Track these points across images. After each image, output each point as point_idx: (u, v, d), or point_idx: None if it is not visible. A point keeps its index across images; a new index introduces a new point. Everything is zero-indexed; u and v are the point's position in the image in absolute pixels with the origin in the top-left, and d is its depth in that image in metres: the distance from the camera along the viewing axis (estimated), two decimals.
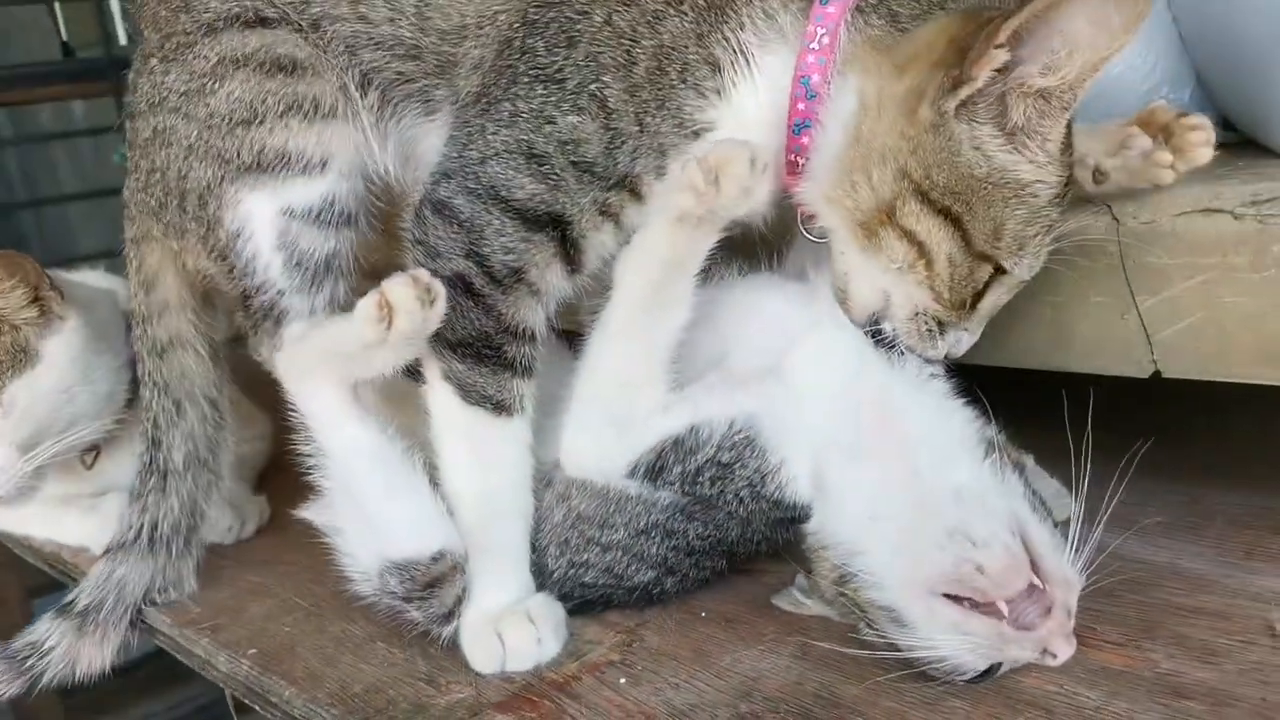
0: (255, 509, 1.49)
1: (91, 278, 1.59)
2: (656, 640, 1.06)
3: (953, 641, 0.88)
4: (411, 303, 0.96)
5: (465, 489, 1.08)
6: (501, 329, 1.05)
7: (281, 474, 1.45)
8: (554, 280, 1.06)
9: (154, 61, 1.21)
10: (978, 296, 1.02)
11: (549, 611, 1.08)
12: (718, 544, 1.08)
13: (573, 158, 1.03)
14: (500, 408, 1.06)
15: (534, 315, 1.06)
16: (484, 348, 1.05)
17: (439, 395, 1.07)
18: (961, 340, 1.05)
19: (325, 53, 1.15)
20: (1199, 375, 1.04)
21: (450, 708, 0.99)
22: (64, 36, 3.98)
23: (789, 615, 1.07)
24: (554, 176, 1.03)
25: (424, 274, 0.98)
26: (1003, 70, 0.92)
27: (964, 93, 0.93)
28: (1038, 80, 0.92)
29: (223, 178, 1.16)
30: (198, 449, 1.34)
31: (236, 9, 1.16)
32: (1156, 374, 1.06)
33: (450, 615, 1.06)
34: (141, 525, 1.31)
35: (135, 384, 1.40)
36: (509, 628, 1.05)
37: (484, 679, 1.03)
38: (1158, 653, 0.93)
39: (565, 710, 0.96)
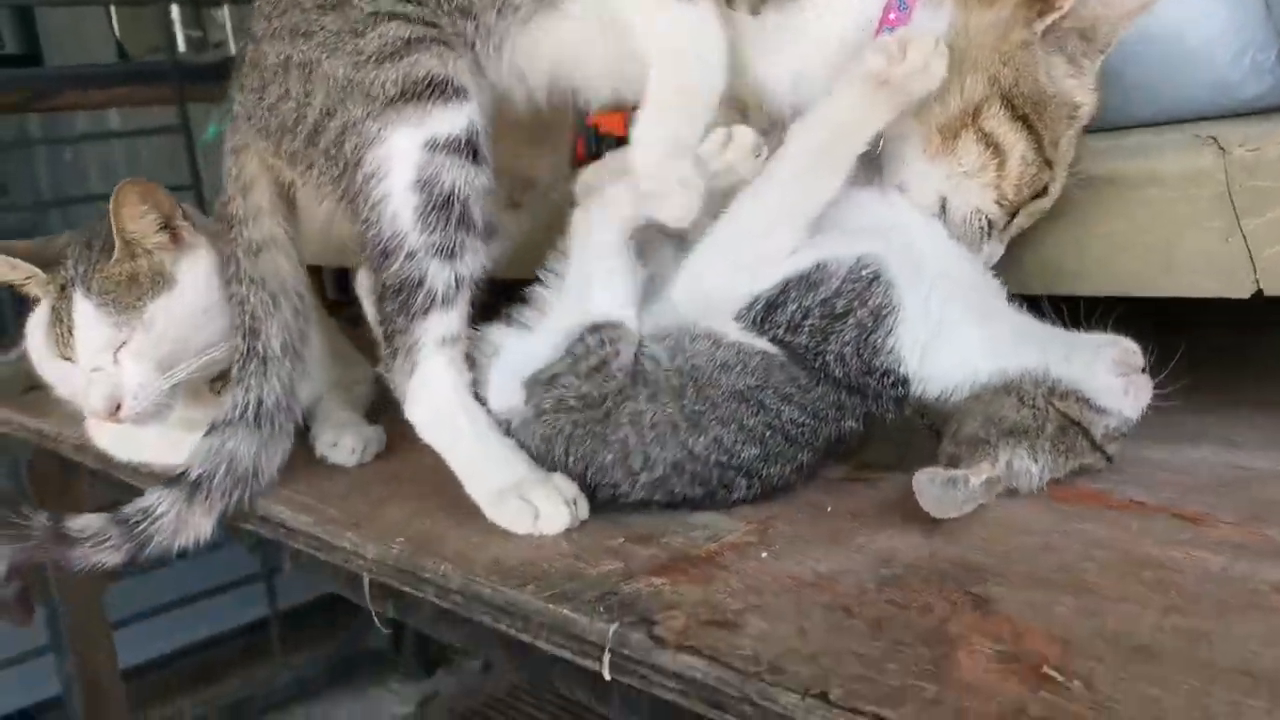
0: (375, 434, 1.56)
1: None
2: (788, 529, 1.13)
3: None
4: (749, 144, 1.19)
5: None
6: None
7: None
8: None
9: (309, 1, 1.30)
10: (1013, 213, 1.20)
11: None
12: (812, 431, 1.15)
13: None
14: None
15: None
16: None
17: None
18: (996, 252, 1.23)
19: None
20: None
21: (605, 575, 1.05)
22: (117, 35, 4.09)
23: (910, 508, 1.14)
24: None
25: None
26: (1074, 7, 1.13)
27: (1050, 18, 1.14)
28: (1097, 13, 1.15)
29: (367, 114, 1.23)
30: (291, 339, 1.44)
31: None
32: (1259, 293, 1.15)
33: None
34: (247, 403, 1.39)
35: None
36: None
37: (630, 555, 1.10)
38: (1272, 531, 1.00)
39: (715, 576, 1.03)
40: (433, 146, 1.21)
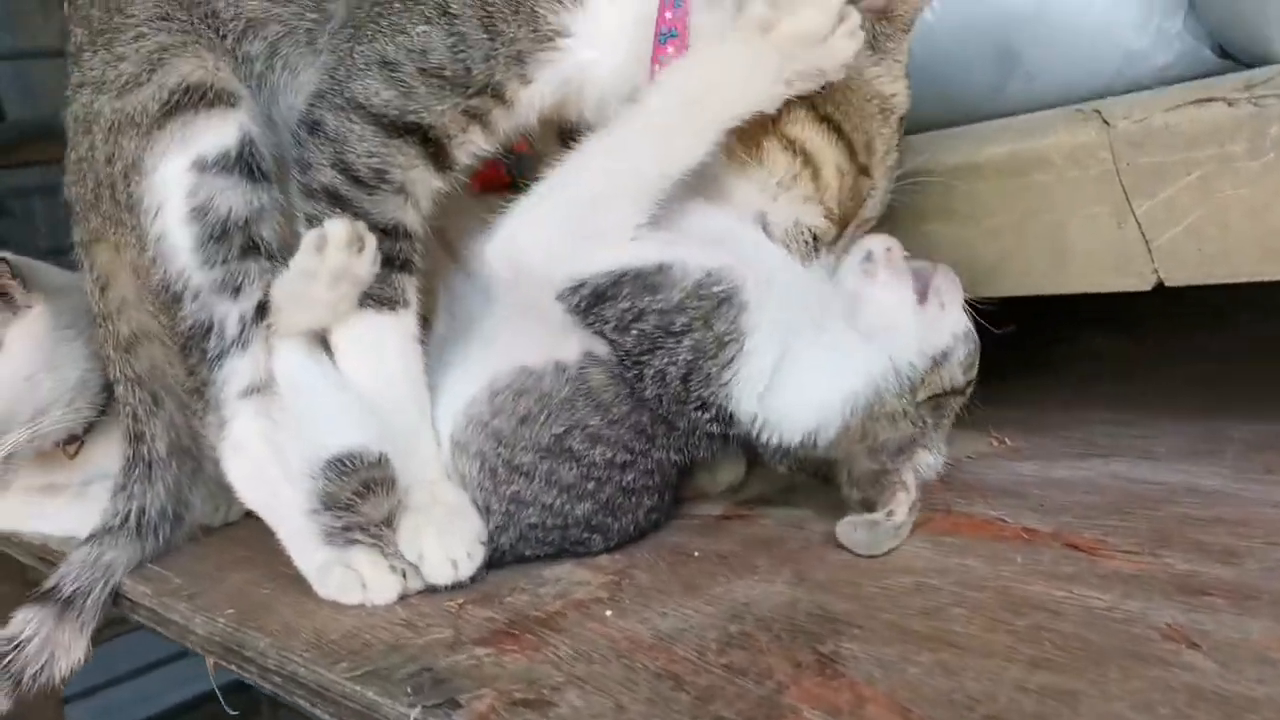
0: None
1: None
2: (646, 578, 1.01)
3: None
4: (340, 236, 1.04)
5: (363, 386, 1.09)
6: (370, 228, 1.07)
7: None
8: (420, 180, 1.09)
9: (86, 53, 1.20)
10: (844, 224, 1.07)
11: (462, 521, 1.06)
12: (635, 468, 1.04)
13: (420, 64, 1.06)
14: (382, 302, 1.09)
15: (403, 213, 1.09)
16: None
17: None
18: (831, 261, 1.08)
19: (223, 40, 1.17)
20: (1203, 280, 1.00)
21: (427, 646, 0.93)
22: None
23: (784, 549, 1.02)
24: (404, 84, 1.07)
25: (360, 223, 1.05)
26: None
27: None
28: None
29: (138, 148, 1.13)
30: (179, 437, 1.32)
31: (157, 11, 1.16)
32: (1159, 284, 1.02)
33: (386, 524, 1.05)
34: (129, 511, 1.28)
35: None
36: (425, 536, 1.05)
37: (465, 621, 0.98)
38: (1173, 557, 0.88)
39: (547, 642, 0.91)
40: (201, 167, 1.10)
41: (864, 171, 1.04)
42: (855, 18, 0.95)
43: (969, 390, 1.04)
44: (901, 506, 0.98)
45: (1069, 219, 1.06)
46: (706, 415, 1.00)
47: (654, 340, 0.97)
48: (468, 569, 1.03)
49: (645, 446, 1.03)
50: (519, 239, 1.01)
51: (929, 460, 1.02)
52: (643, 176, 0.98)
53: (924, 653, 0.78)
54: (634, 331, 0.98)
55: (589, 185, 1.00)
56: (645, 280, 0.97)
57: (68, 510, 1.47)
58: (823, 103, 1.01)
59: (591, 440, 1.02)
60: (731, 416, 0.99)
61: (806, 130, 1.02)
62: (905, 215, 1.13)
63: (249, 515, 1.44)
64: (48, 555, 1.49)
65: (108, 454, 1.47)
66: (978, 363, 1.04)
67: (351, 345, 1.10)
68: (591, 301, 0.98)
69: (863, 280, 1.03)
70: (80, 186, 1.23)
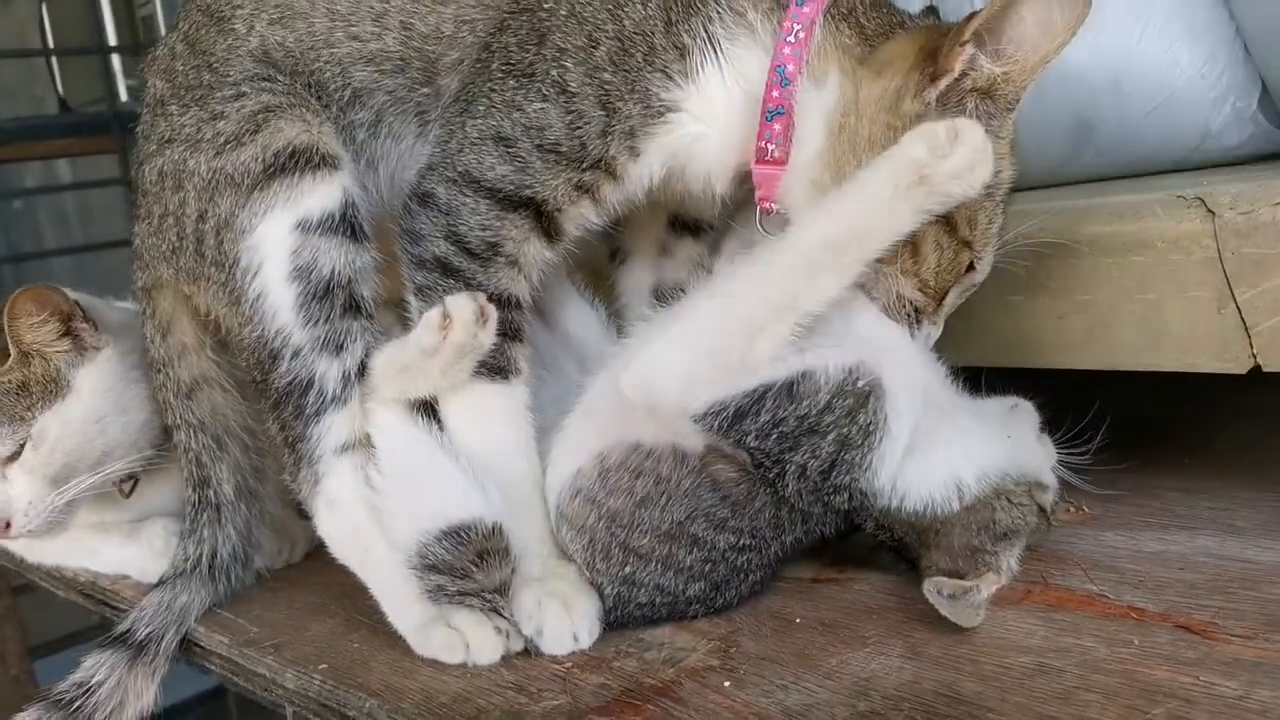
0: (303, 532, 1.43)
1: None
2: (754, 645, 1.02)
3: None
4: (468, 314, 1.04)
5: (476, 456, 1.09)
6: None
7: None
8: (533, 252, 1.11)
9: (172, 107, 1.20)
10: (941, 296, 1.08)
11: (584, 604, 1.06)
12: (756, 553, 1.05)
13: (537, 141, 1.08)
14: (494, 371, 1.10)
15: (515, 284, 1.11)
16: None
17: None
18: (931, 336, 1.10)
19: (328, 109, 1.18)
20: None
21: (547, 714, 0.94)
22: (60, 91, 3.94)
23: (889, 618, 1.04)
24: (520, 159, 1.08)
25: (481, 296, 1.05)
26: (969, 68, 1.00)
27: (943, 83, 1.00)
28: (993, 72, 1.00)
29: (235, 206, 1.12)
30: (246, 480, 1.32)
31: (256, 72, 1.17)
32: (1256, 368, 1.05)
33: (499, 593, 1.06)
34: (200, 555, 1.28)
35: None
36: (547, 610, 1.05)
37: (577, 686, 0.98)
38: None
39: (671, 714, 0.91)
40: (305, 228, 1.10)
41: (965, 245, 1.06)
42: (988, 144, 0.96)
43: (1049, 523, 1.08)
44: (989, 586, 1.00)
45: (1167, 300, 1.08)
46: (842, 498, 1.01)
47: (796, 440, 0.99)
48: (587, 643, 1.04)
49: (774, 534, 1.04)
50: (658, 371, 1.02)
51: (1013, 565, 1.04)
52: (789, 311, 0.98)
53: None
54: (775, 435, 0.99)
55: (733, 321, 1.00)
56: (789, 392, 0.98)
57: (119, 549, 1.45)
58: None
59: (717, 528, 1.02)
60: (864, 494, 1.01)
61: None
62: (991, 283, 1.15)
63: (309, 557, 1.44)
64: (94, 593, 1.48)
65: (160, 494, 1.46)
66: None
67: (464, 414, 1.11)
68: (733, 420, 0.99)
69: (1038, 443, 1.09)
70: (157, 238, 1.23)
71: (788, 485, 1.00)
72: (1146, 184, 1.22)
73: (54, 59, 4.05)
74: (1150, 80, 1.30)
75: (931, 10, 1.22)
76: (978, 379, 1.12)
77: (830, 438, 0.98)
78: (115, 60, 3.80)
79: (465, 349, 1.06)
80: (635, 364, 1.04)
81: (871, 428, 0.98)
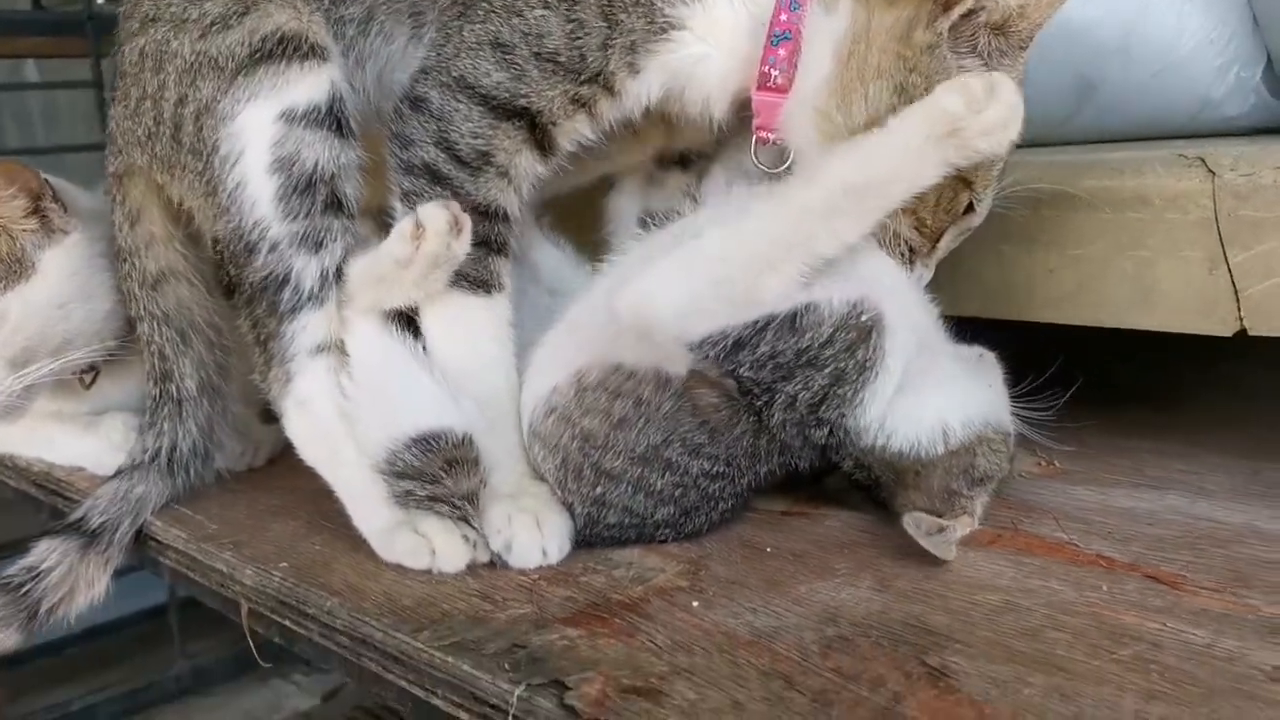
0: (267, 435, 1.41)
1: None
2: (723, 570, 1.01)
3: None
4: (441, 224, 1.01)
5: (454, 368, 1.09)
6: (469, 208, 1.06)
7: None
8: (524, 164, 1.09)
9: None
10: (937, 237, 1.07)
11: (556, 521, 1.05)
12: (730, 481, 1.04)
13: (535, 49, 1.05)
14: (477, 284, 1.08)
15: (504, 196, 1.09)
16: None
17: None
18: (924, 278, 1.09)
19: None
20: None
21: (513, 621, 0.93)
22: None
23: (860, 553, 1.04)
24: (517, 66, 1.06)
25: (454, 205, 1.03)
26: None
27: (955, 13, 0.98)
28: (1009, 5, 0.98)
29: (218, 91, 1.09)
30: (209, 376, 1.30)
31: None
32: (1242, 331, 1.05)
33: (469, 501, 1.05)
34: (159, 448, 1.26)
35: None
36: (518, 523, 1.03)
37: (543, 597, 0.97)
38: (1257, 600, 0.90)
39: (639, 628, 0.90)
40: (289, 118, 1.08)
41: (966, 185, 1.04)
42: (1021, 104, 0.94)
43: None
44: (964, 528, 1.01)
45: (1159, 258, 1.08)
46: (823, 431, 1.00)
47: (791, 371, 0.97)
48: (556, 558, 1.03)
49: (749, 464, 1.02)
50: (657, 296, 0.99)
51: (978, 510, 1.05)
52: (802, 251, 0.96)
53: (1035, 675, 0.79)
54: (770, 366, 0.97)
55: (744, 255, 0.98)
56: (791, 324, 0.97)
57: (77, 440, 1.42)
58: None
59: (692, 453, 1.00)
60: (847, 431, 1.00)
61: None
62: (982, 231, 1.14)
63: (272, 462, 1.42)
64: (47, 483, 1.45)
65: (121, 388, 1.44)
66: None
67: (444, 326, 1.09)
68: (731, 350, 0.97)
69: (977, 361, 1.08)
70: (132, 121, 1.19)
71: (774, 415, 0.99)
72: (1148, 145, 1.22)
73: None
74: (1158, 42, 1.30)
75: None
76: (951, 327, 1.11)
77: (827, 371, 0.97)
78: None
79: (439, 259, 1.04)
80: (633, 286, 1.01)
81: (868, 364, 0.97)
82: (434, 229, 1.02)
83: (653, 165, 1.29)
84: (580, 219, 1.35)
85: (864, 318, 0.97)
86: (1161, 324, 1.10)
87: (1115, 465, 1.22)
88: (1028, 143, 1.27)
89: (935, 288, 1.11)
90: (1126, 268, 1.11)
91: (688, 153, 1.27)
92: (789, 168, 1.09)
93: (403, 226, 1.04)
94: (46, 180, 1.31)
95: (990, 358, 1.10)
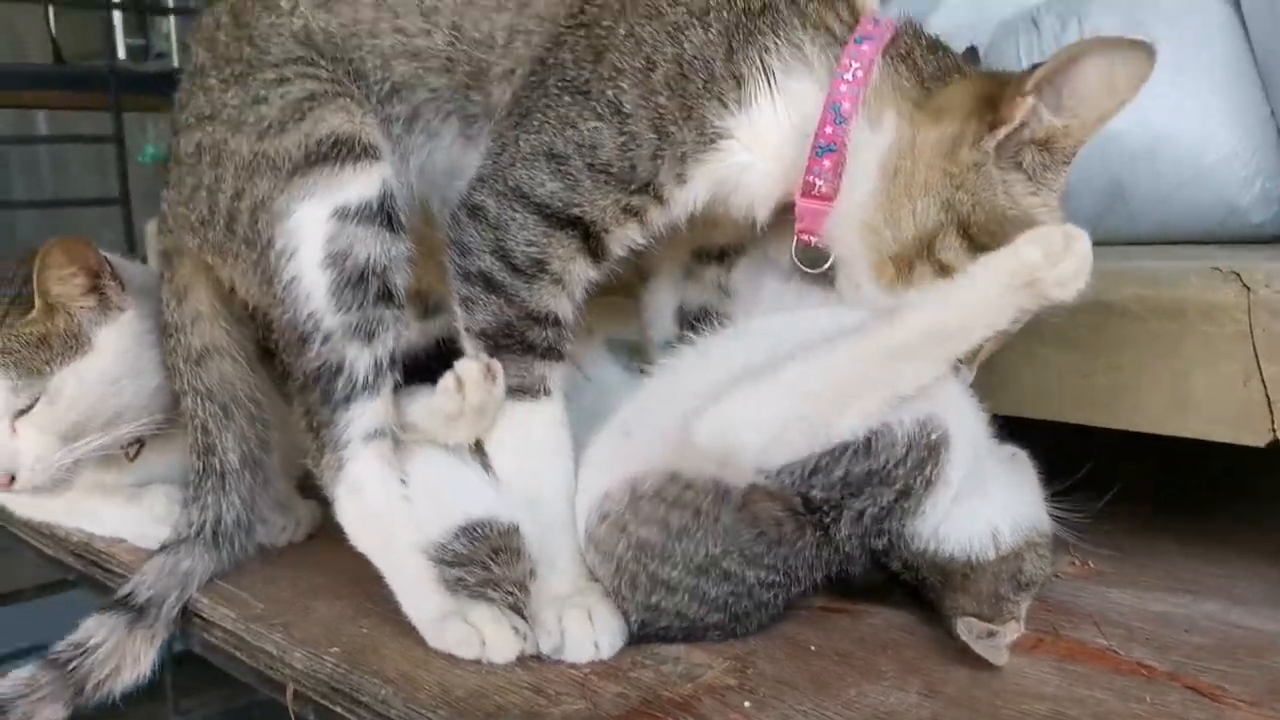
0: (307, 511, 1.43)
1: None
2: (770, 668, 1.03)
3: None
4: (477, 376, 1.07)
5: (509, 471, 1.12)
6: (524, 315, 1.09)
7: None
8: (577, 271, 1.11)
9: (212, 79, 1.21)
10: None
11: (608, 617, 1.06)
12: (784, 589, 1.05)
13: (589, 160, 1.08)
14: (524, 391, 1.11)
15: (557, 302, 1.11)
16: (504, 336, 1.10)
17: None
18: (966, 379, 1.10)
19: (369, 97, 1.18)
20: None
21: (567, 717, 0.94)
22: (54, 36, 3.87)
23: (904, 653, 1.05)
24: (571, 176, 1.08)
25: (484, 355, 1.09)
26: (1029, 118, 1.01)
27: (1001, 133, 1.02)
28: (1054, 125, 1.01)
29: (274, 189, 1.13)
30: (251, 449, 1.32)
31: (298, 54, 1.17)
32: (1275, 442, 1.08)
33: (520, 588, 1.07)
34: (204, 521, 1.28)
35: None
36: (570, 618, 1.05)
37: (596, 693, 0.99)
38: None
39: None
40: (343, 215, 1.11)
41: None
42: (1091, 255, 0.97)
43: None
44: (1012, 633, 1.02)
45: (1194, 368, 1.11)
46: (883, 540, 1.02)
47: (860, 488, 0.99)
48: (607, 654, 1.04)
49: (807, 572, 1.04)
50: (740, 433, 1.00)
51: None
52: (884, 389, 0.99)
53: None
54: (840, 485, 0.99)
55: (825, 389, 1.00)
56: (867, 448, 0.99)
57: (120, 512, 1.44)
58: (978, 231, 1.03)
59: (750, 563, 1.02)
60: (902, 537, 1.02)
61: (960, 257, 1.03)
62: (1019, 335, 1.17)
63: (310, 538, 1.44)
64: (86, 554, 1.46)
65: (164, 460, 1.46)
66: None
67: (496, 431, 1.12)
68: (808, 475, 0.99)
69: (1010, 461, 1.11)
70: (186, 208, 1.23)
71: (841, 530, 1.00)
72: (1179, 252, 1.26)
73: (50, 7, 3.97)
74: (1185, 153, 1.34)
75: (972, 51, 1.23)
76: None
77: (896, 487, 0.99)
78: (116, 17, 3.74)
79: (485, 406, 1.09)
80: (713, 416, 1.02)
81: (933, 478, 1.00)
82: (472, 382, 1.08)
83: (690, 259, 1.31)
84: (609, 304, 1.38)
85: (933, 436, 0.99)
86: (1196, 432, 1.13)
87: (1149, 568, 1.24)
88: None
89: (974, 387, 1.14)
90: (1162, 376, 1.14)
91: (726, 247, 1.30)
92: (829, 269, 1.12)
93: (446, 383, 1.09)
94: (105, 258, 1.33)
95: (1023, 456, 1.13)
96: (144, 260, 2.25)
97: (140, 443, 1.42)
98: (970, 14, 1.51)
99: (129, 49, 3.87)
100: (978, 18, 1.51)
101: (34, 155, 5.04)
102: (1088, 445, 1.20)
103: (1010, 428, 1.15)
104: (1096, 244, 1.34)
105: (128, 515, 1.42)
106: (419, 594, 1.10)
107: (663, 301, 1.33)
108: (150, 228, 1.94)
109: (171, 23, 3.65)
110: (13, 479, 1.28)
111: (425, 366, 1.23)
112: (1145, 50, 0.97)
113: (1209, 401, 1.11)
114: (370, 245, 1.12)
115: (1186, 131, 1.34)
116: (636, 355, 1.35)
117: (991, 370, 1.20)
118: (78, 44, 3.88)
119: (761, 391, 1.01)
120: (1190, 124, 1.34)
